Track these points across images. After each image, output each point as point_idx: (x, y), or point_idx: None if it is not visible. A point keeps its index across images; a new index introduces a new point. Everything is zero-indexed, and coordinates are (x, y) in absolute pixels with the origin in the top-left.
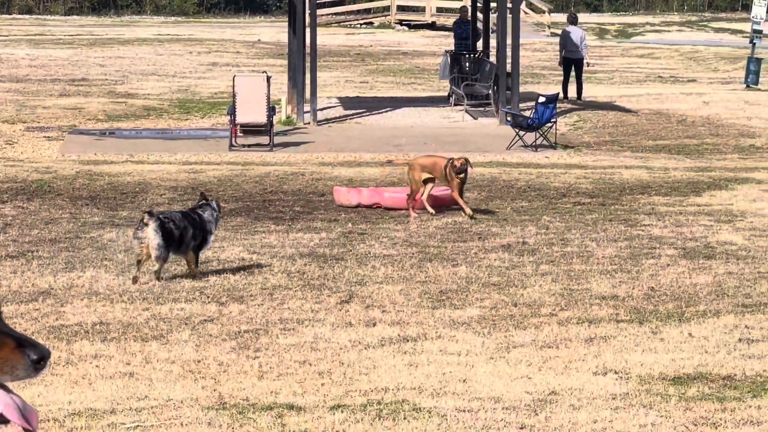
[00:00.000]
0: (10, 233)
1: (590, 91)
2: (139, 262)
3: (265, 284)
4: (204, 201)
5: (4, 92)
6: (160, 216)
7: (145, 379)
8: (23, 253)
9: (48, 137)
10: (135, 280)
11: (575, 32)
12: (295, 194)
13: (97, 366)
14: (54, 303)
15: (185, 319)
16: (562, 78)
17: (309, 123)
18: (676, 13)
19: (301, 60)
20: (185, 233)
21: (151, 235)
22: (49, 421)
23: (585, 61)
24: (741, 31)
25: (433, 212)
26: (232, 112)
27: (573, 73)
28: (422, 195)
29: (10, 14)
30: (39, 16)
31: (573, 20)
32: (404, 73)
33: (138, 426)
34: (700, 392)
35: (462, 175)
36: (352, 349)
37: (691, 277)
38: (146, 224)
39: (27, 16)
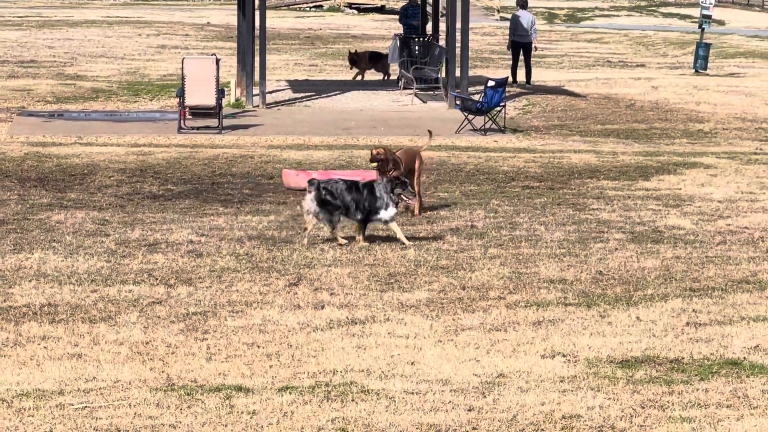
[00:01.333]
0: None
1: (539, 76)
2: (305, 229)
3: (213, 266)
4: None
5: None
6: (321, 186)
7: (93, 361)
8: None
9: None
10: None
11: (525, 16)
12: (243, 177)
13: (45, 347)
14: (2, 284)
15: (133, 301)
16: (511, 62)
17: (258, 106)
18: None
19: (250, 43)
20: (346, 203)
21: (307, 203)
22: None
23: (534, 45)
24: (690, 16)
25: None
26: (180, 94)
27: (522, 58)
28: None
29: None
30: None
31: (523, 4)
32: None
33: (86, 407)
34: (647, 375)
35: (375, 164)
36: (300, 331)
37: (639, 261)
38: (308, 192)
39: None
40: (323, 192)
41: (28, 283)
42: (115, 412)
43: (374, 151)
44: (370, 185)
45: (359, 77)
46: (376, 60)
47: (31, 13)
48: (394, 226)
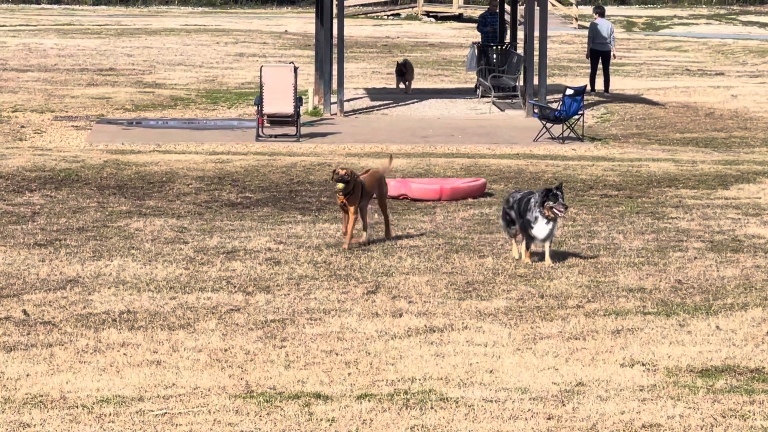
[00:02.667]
0: (39, 222)
1: (618, 84)
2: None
3: (291, 274)
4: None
5: (32, 81)
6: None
7: (172, 368)
8: (51, 241)
9: (76, 126)
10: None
11: (603, 24)
12: (321, 185)
13: (124, 354)
14: (82, 291)
15: (212, 308)
16: (589, 70)
17: (336, 114)
18: (704, 6)
19: (328, 51)
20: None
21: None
22: (77, 407)
23: (612, 53)
24: None
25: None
26: (259, 102)
27: (600, 66)
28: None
29: (39, 4)
30: (67, 6)
31: (601, 12)
32: (431, 64)
33: (165, 413)
34: (728, 384)
35: (340, 186)
36: (378, 339)
37: (719, 270)
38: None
39: (55, 6)
40: (505, 203)
41: (108, 290)
42: (195, 418)
43: (341, 171)
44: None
45: (402, 86)
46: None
47: (110, 22)
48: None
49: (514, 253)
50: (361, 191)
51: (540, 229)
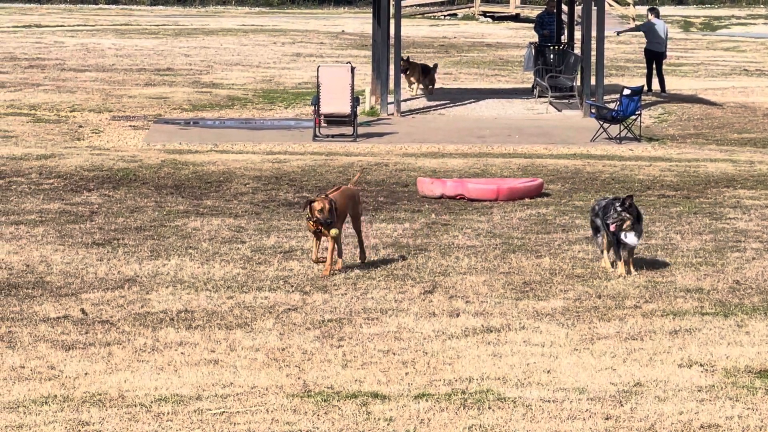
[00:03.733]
0: (96, 221)
1: (675, 84)
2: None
3: (348, 274)
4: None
5: (90, 81)
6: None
7: (229, 367)
8: (109, 240)
9: (133, 126)
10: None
11: (660, 25)
12: (378, 185)
13: (182, 353)
14: (139, 290)
15: (269, 307)
16: (646, 71)
17: (392, 114)
18: (762, 5)
19: (385, 51)
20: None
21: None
22: (135, 406)
23: (665, 54)
24: None
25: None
26: (316, 102)
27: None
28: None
29: (97, 4)
30: (125, 6)
31: (656, 13)
32: (488, 64)
33: (224, 412)
34: None
35: (334, 232)
36: (435, 339)
37: None
38: None
39: (113, 6)
40: (591, 211)
41: (165, 290)
42: (253, 417)
43: (318, 206)
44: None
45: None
46: (427, 73)
47: (168, 22)
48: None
49: (605, 264)
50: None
51: (626, 235)
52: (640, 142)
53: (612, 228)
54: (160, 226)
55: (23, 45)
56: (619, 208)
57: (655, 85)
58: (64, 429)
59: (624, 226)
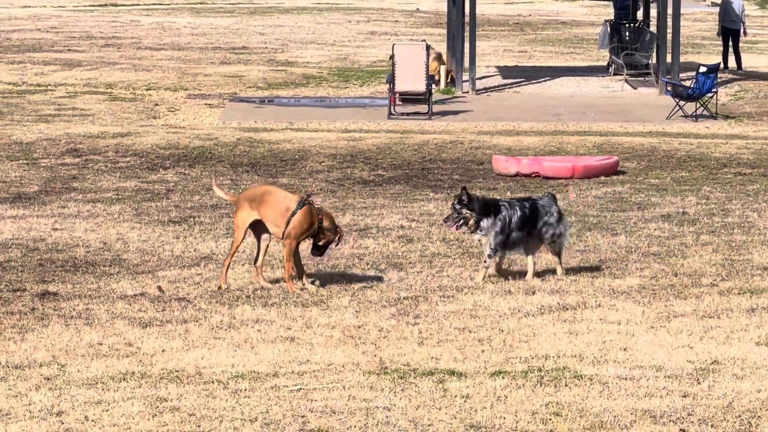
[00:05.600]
0: (173, 199)
1: (752, 62)
2: None
3: (424, 252)
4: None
5: (166, 60)
6: None
7: (306, 344)
8: (185, 218)
9: (209, 104)
10: None
11: (736, 2)
12: (453, 162)
13: (258, 330)
14: (215, 268)
15: (345, 285)
16: (721, 48)
17: (468, 92)
18: None
19: (459, 29)
20: None
21: None
22: (213, 383)
23: (743, 31)
24: None
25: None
26: (391, 80)
27: (731, 44)
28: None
29: None
30: None
31: None
32: (563, 42)
33: (301, 389)
34: None
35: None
36: (511, 316)
37: None
38: None
39: None
40: None
41: (241, 267)
42: (330, 394)
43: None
44: None
45: None
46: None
47: (243, 1)
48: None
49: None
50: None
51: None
52: (717, 120)
53: (453, 229)
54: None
55: (99, 24)
56: (457, 206)
57: (732, 63)
58: (143, 405)
59: (469, 225)
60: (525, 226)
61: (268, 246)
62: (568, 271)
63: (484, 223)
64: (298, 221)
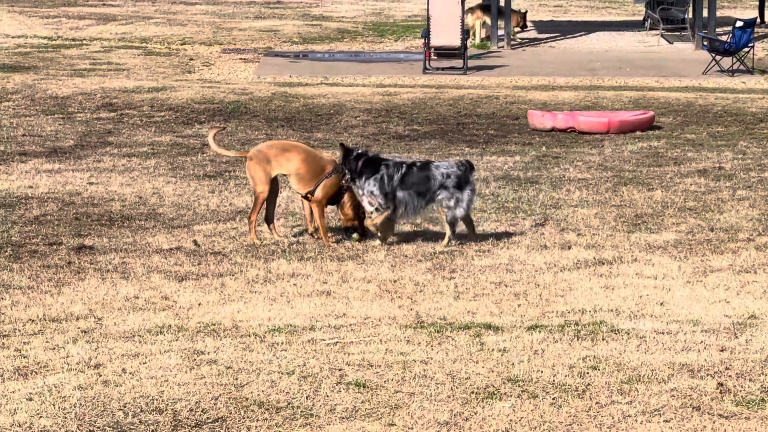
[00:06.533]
0: (208, 153)
1: None
2: None
3: None
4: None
5: (201, 14)
6: None
7: (342, 298)
8: (220, 173)
9: (244, 59)
10: None
11: None
12: (488, 117)
13: (294, 284)
14: (252, 222)
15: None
16: (758, 2)
17: (503, 47)
18: None
19: None
20: None
21: None
22: (249, 336)
23: None
24: None
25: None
26: (426, 35)
27: None
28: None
29: None
30: None
31: None
32: None
33: (337, 342)
34: None
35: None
36: (547, 271)
37: None
38: None
39: None
40: None
41: (277, 222)
42: (366, 347)
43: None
44: None
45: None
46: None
47: None
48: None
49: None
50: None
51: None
52: (753, 75)
53: (344, 183)
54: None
55: None
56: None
57: None
58: (180, 358)
59: (347, 180)
60: (412, 187)
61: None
62: (604, 225)
63: (361, 180)
64: (332, 183)
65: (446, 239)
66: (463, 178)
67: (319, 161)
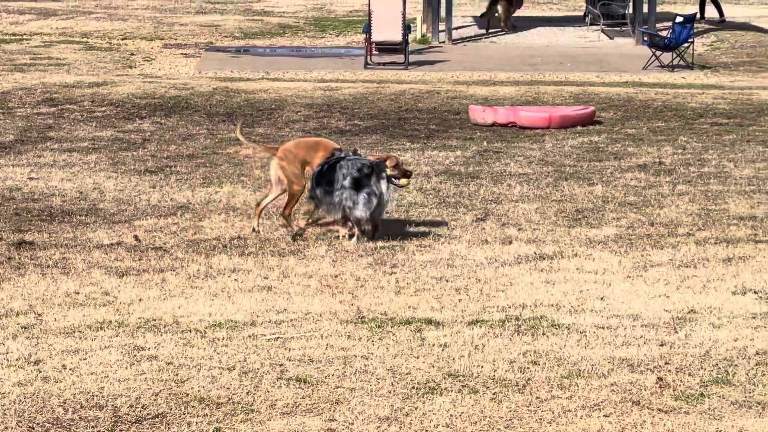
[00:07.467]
0: (149, 148)
1: (727, 12)
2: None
3: (400, 201)
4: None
5: (142, 9)
6: None
7: (283, 293)
8: (162, 168)
9: (185, 54)
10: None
11: None
12: (430, 112)
13: (235, 279)
14: (192, 217)
15: (321, 234)
16: None
17: (444, 41)
18: None
19: None
20: None
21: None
22: (190, 331)
23: None
24: None
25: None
26: (367, 30)
27: None
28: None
29: None
30: None
31: None
32: None
33: (278, 337)
34: None
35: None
36: (488, 266)
37: None
38: None
39: None
40: None
41: (218, 217)
42: (307, 343)
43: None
44: None
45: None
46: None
47: None
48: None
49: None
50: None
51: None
52: (693, 70)
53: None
54: (212, 154)
55: None
56: None
57: (711, 13)
58: (120, 354)
59: None
60: (323, 185)
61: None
62: (545, 220)
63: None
64: None
65: (354, 238)
66: (364, 181)
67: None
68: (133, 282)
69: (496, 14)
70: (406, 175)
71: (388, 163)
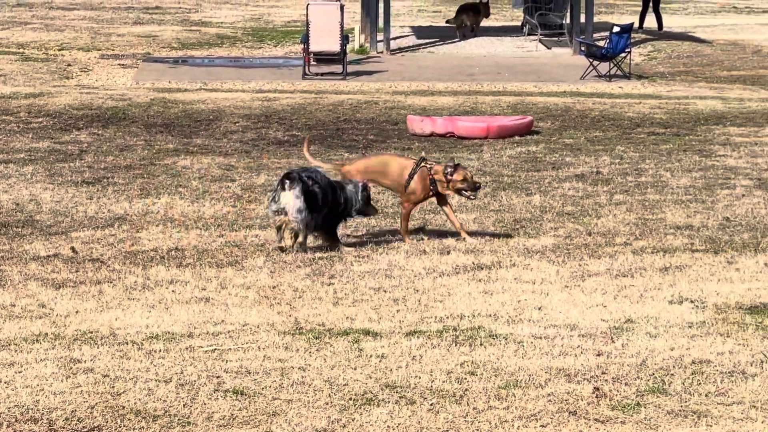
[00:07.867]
0: (86, 159)
1: (665, 22)
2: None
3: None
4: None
5: (79, 20)
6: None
7: (221, 305)
8: (99, 179)
9: (122, 65)
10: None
11: None
12: (368, 122)
13: (173, 291)
14: (129, 229)
15: (260, 245)
16: (640, 8)
17: (382, 52)
18: None
19: None
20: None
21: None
22: (127, 344)
23: None
24: None
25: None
26: (305, 40)
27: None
28: None
29: None
30: None
31: None
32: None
33: (216, 349)
34: None
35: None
36: (426, 276)
37: (767, 208)
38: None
39: None
40: None
41: (156, 228)
42: (245, 354)
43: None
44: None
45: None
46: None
47: None
48: None
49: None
50: None
51: None
52: (630, 80)
53: None
54: (149, 165)
55: None
56: None
57: (650, 23)
58: (56, 366)
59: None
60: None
61: None
62: (483, 230)
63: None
64: (413, 186)
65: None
66: (277, 194)
67: (400, 167)
68: (70, 294)
69: (464, 24)
70: (476, 187)
71: (455, 176)
